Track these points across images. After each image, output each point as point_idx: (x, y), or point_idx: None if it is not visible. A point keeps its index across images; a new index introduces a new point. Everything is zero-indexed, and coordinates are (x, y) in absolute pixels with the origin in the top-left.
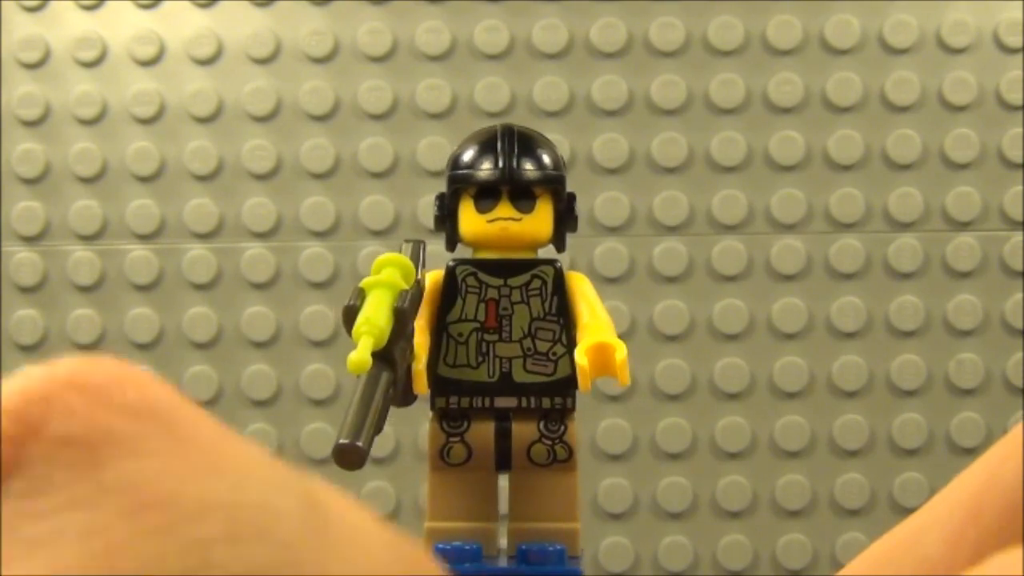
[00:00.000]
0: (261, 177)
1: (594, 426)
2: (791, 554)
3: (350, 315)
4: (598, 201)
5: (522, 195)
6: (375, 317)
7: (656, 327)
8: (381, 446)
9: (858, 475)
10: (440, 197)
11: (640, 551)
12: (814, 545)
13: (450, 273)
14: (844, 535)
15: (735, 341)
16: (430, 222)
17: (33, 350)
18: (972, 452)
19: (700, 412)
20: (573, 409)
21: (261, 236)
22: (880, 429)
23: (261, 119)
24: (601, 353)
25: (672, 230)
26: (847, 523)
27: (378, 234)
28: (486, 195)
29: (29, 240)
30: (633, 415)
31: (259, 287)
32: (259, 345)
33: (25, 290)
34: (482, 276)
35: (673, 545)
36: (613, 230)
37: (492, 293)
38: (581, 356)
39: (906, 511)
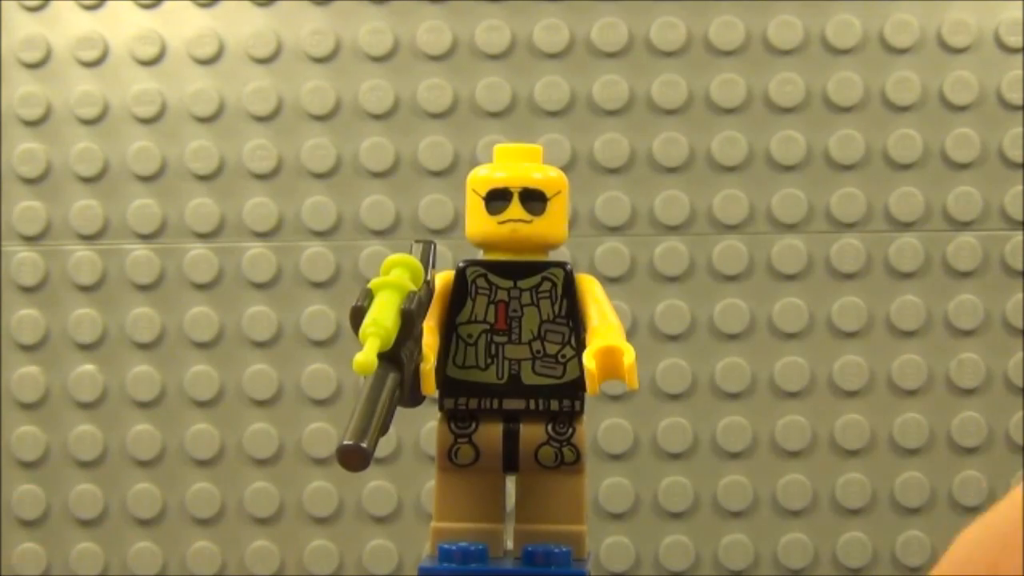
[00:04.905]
0: (262, 177)
1: (595, 426)
2: (792, 554)
3: (357, 316)
4: (599, 201)
5: (533, 197)
6: (382, 318)
7: (657, 327)
8: (383, 446)
9: (859, 475)
10: None
11: (641, 551)
12: (815, 545)
13: (460, 274)
14: (845, 535)
15: (736, 341)
16: (432, 222)
17: (34, 350)
18: (973, 452)
19: (701, 412)
20: (582, 412)
21: (262, 236)
22: (881, 429)
23: (262, 119)
24: (610, 357)
25: (673, 230)
26: (848, 523)
27: (379, 234)
28: (497, 197)
29: (30, 240)
30: (634, 415)
31: (260, 287)
32: (260, 345)
33: (26, 290)
34: (492, 278)
35: (674, 545)
36: (614, 230)
37: (502, 295)
38: (589, 359)
39: (907, 511)
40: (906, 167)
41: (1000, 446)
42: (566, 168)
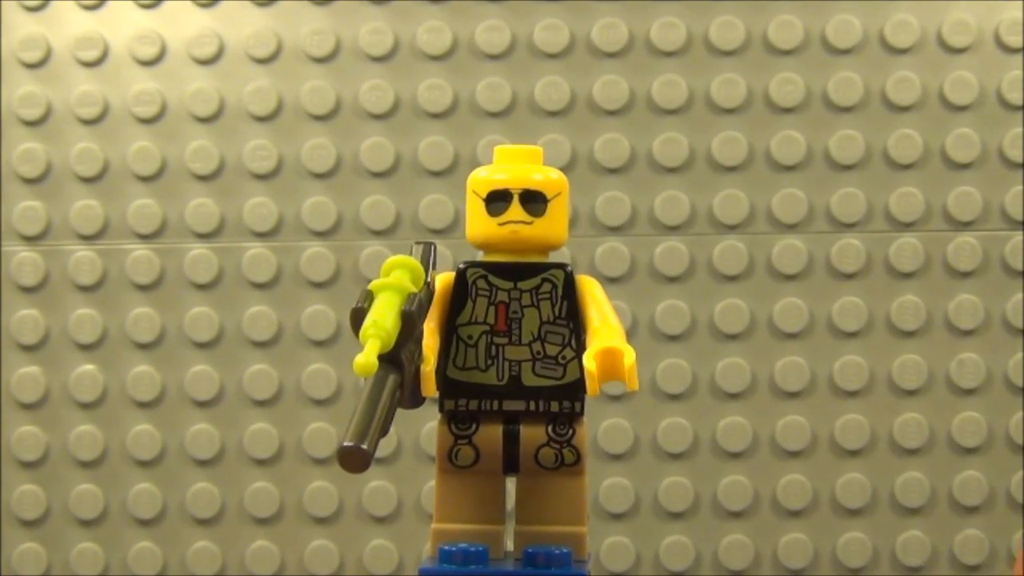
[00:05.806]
0: (262, 177)
1: (595, 426)
2: (792, 554)
3: (358, 317)
4: (599, 201)
5: (533, 199)
6: (382, 320)
7: (657, 327)
8: (383, 446)
9: (859, 475)
10: None
11: (641, 551)
12: (815, 545)
13: (460, 275)
14: (845, 535)
15: (736, 341)
16: (431, 222)
17: (34, 350)
18: (973, 452)
19: (701, 412)
20: (582, 413)
21: (262, 236)
22: (881, 429)
23: (262, 119)
24: (610, 358)
25: (673, 230)
26: (848, 523)
27: (379, 234)
28: (497, 199)
29: (30, 240)
30: (634, 415)
31: (260, 287)
32: (260, 345)
33: (26, 290)
34: (492, 279)
35: (674, 545)
36: (614, 230)
37: (502, 296)
38: (590, 361)
39: (907, 511)
40: (906, 167)
41: (1000, 446)
42: (566, 168)
